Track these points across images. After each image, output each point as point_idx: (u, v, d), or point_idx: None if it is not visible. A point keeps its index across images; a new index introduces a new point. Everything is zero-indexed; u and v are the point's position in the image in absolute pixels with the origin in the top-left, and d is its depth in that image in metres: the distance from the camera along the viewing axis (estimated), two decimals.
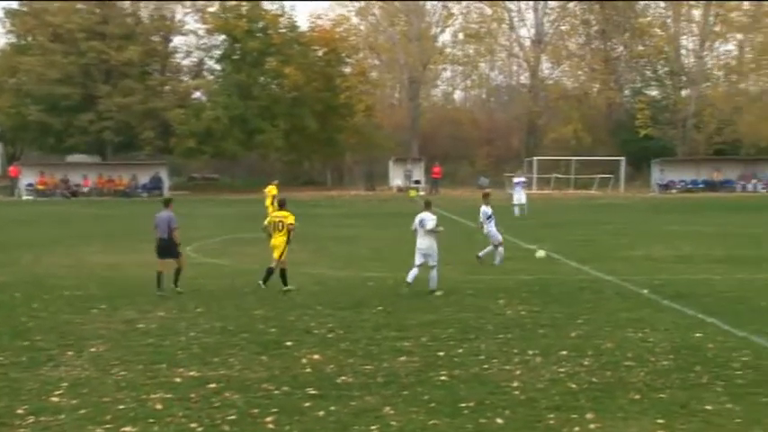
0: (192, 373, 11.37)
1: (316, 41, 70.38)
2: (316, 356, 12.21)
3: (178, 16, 71.79)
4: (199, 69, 73.17)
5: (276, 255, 18.10)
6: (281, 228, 18.12)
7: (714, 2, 69.71)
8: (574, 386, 10.62)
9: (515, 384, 10.71)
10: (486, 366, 11.63)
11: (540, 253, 22.88)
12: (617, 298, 17.24)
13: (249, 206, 45.25)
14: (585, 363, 11.74)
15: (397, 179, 66.01)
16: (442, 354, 12.35)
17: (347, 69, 72.86)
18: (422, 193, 62.45)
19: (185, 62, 73.77)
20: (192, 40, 72.51)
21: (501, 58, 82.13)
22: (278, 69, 66.62)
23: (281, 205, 18.73)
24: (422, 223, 18.11)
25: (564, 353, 12.28)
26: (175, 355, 12.34)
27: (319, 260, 23.97)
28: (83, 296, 17.64)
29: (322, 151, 72.42)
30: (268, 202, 35.83)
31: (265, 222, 19.00)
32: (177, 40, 73.60)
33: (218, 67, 71.57)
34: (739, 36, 72.66)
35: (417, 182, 64.82)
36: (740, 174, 66.16)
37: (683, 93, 73.28)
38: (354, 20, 75.32)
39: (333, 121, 70.13)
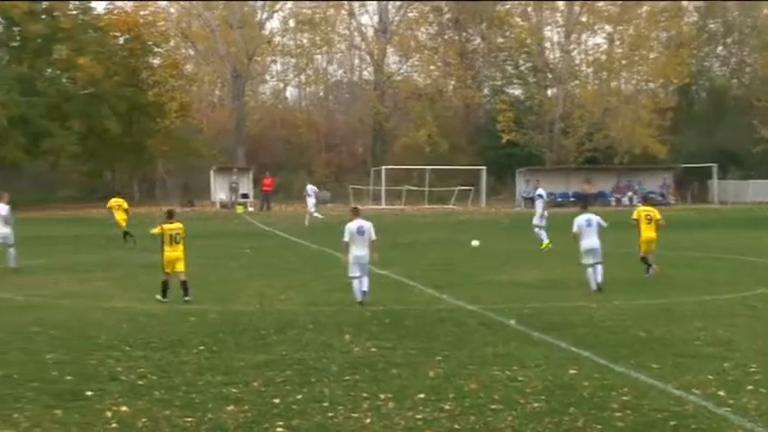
0: None
1: (115, 27, 68.96)
2: (123, 408, 11.91)
3: None
4: None
5: (181, 267, 20.90)
6: (178, 240, 20.91)
7: None
8: None
9: None
10: (330, 414, 11.60)
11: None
12: (482, 330, 17.57)
13: (36, 226, 43.78)
14: (446, 407, 11.87)
15: (220, 193, 65.37)
16: (277, 401, 12.26)
17: (156, 61, 71.78)
18: (251, 209, 62.12)
19: None
20: None
21: (340, 50, 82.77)
22: (69, 60, 64.68)
23: (171, 216, 21.46)
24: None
25: (421, 396, 12.40)
26: None
27: (127, 291, 23.40)
28: None
29: (127, 159, 70.90)
30: (122, 215, 37.07)
31: (154, 231, 21.37)
32: None
33: None
34: (608, 28, 75.45)
35: (245, 196, 64.43)
36: (614, 185, 68.54)
37: (549, 92, 75.47)
38: (162, 2, 74.63)
39: (140, 123, 68.92)
